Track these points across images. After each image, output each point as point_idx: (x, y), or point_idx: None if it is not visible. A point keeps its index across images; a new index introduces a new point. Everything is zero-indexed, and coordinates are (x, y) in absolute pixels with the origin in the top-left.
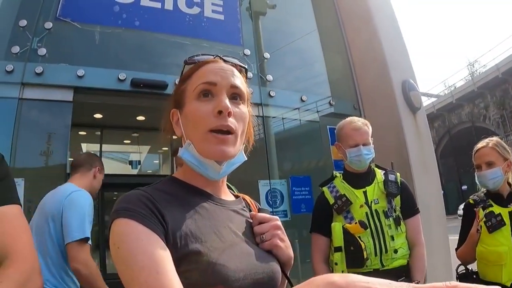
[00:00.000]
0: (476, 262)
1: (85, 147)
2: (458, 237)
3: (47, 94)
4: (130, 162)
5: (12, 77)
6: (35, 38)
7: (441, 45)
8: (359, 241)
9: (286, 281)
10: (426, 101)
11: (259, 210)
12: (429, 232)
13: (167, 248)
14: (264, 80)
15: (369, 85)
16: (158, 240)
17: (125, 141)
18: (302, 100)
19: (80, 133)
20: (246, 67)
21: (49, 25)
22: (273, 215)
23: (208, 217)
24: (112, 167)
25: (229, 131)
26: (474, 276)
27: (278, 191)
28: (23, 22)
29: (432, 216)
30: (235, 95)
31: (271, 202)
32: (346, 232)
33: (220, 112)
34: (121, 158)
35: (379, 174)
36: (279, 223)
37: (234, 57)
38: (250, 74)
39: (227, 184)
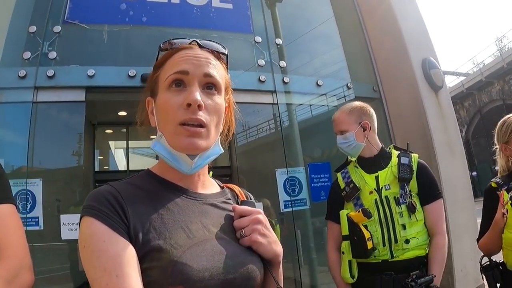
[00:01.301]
0: (501, 251)
1: (113, 144)
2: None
3: (60, 96)
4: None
5: (25, 82)
6: (45, 43)
7: (468, 21)
8: (362, 230)
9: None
10: (455, 80)
11: (242, 203)
12: (456, 217)
13: (131, 248)
14: (278, 66)
15: (388, 66)
16: (120, 241)
17: (151, 136)
18: (318, 85)
19: (107, 131)
20: (226, 52)
21: (58, 28)
22: (285, 205)
23: (177, 213)
24: (140, 163)
25: (200, 124)
26: (501, 267)
27: (296, 179)
28: (33, 28)
29: (459, 200)
30: (210, 85)
31: (289, 191)
32: (350, 220)
33: (189, 105)
34: (149, 153)
35: (395, 156)
36: (261, 216)
37: (213, 41)
38: (262, 62)
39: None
